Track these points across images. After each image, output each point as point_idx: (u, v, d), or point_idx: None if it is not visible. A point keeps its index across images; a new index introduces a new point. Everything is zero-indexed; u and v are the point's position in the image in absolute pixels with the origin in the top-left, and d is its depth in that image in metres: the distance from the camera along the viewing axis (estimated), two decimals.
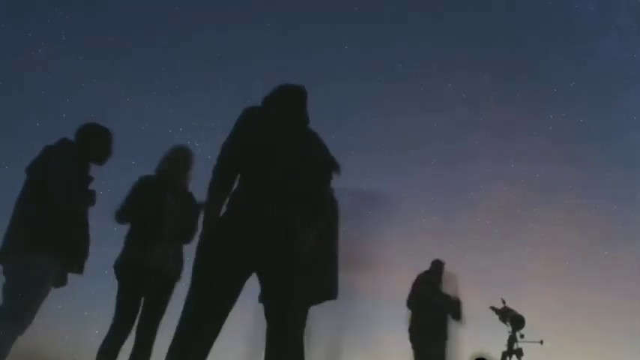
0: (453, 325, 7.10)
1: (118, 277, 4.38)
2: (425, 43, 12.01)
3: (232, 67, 11.68)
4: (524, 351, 5.89)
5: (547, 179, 12.01)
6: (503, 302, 6.11)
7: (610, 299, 11.03)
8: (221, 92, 11.84)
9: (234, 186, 2.94)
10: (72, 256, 3.86)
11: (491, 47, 12.39)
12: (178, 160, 4.81)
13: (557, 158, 12.17)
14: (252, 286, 2.94)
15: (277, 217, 2.81)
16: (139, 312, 4.36)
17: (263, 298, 2.93)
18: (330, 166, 3.18)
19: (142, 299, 4.40)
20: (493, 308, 6.16)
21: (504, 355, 5.92)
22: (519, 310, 6.07)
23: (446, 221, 12.00)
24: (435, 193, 12.36)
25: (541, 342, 5.98)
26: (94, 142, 4.38)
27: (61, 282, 3.88)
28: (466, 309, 7.11)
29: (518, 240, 11.76)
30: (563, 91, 12.15)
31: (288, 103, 3.17)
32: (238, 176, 2.94)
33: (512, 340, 5.91)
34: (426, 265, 7.30)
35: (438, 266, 7.31)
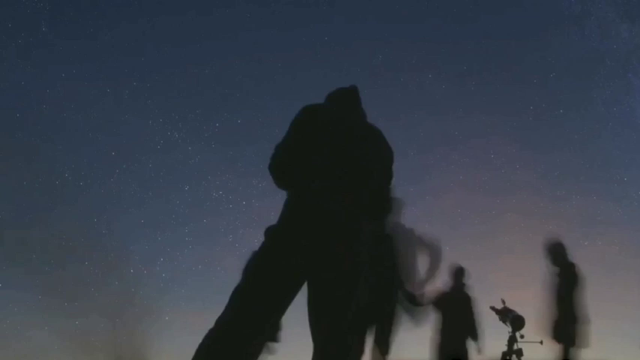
0: None
1: None
2: (405, 34, 11.90)
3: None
4: (524, 351, 5.99)
5: (527, 170, 12.14)
6: (503, 302, 6.11)
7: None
8: (200, 82, 11.56)
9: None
10: None
11: (470, 38, 12.35)
12: None
13: (537, 149, 12.29)
14: None
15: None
16: None
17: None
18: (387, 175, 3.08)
19: None
20: (493, 308, 6.17)
21: (504, 354, 5.95)
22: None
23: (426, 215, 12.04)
24: (413, 186, 12.34)
25: (541, 342, 6.02)
26: None
27: None
28: None
29: (497, 233, 11.86)
30: (544, 81, 12.24)
31: (344, 100, 3.11)
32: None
33: (512, 340, 5.94)
34: None
35: None
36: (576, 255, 11.28)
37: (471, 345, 6.53)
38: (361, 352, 4.73)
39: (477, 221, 11.90)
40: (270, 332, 4.34)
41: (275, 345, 4.76)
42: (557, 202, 11.71)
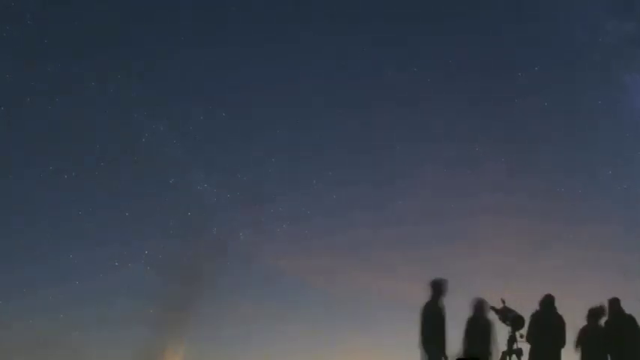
0: None
1: None
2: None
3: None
4: (524, 351, 6.02)
5: (511, 164, 12.17)
6: (503, 302, 6.10)
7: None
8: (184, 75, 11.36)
9: None
10: None
11: (453, 31, 12.27)
12: None
13: (521, 143, 12.31)
14: None
15: None
16: None
17: None
18: None
19: None
20: (493, 308, 6.15)
21: (504, 354, 5.96)
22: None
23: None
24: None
25: None
26: None
27: None
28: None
29: (481, 229, 11.87)
30: (528, 75, 12.23)
31: None
32: None
33: (512, 340, 5.94)
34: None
35: None
36: (561, 249, 11.51)
37: None
38: None
39: (461, 216, 11.89)
40: None
41: None
42: (541, 196, 11.78)
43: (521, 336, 5.94)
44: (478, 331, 6.23)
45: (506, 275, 10.56)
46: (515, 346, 5.93)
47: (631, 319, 5.99)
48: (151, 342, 10.24)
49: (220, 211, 11.69)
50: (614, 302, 6.08)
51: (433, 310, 6.03)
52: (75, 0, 10.24)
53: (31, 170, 10.58)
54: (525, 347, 5.98)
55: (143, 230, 11.39)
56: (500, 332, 6.12)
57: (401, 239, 11.57)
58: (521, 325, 5.97)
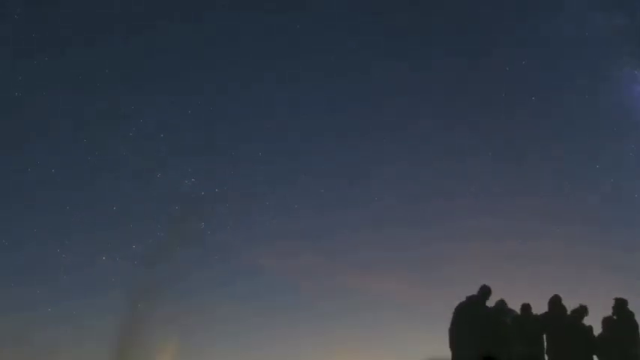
0: None
1: None
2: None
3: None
4: None
5: (497, 159, 12.31)
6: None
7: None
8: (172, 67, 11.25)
9: None
10: None
11: (443, 27, 12.31)
12: None
13: (509, 138, 12.45)
14: None
15: None
16: None
17: None
18: None
19: None
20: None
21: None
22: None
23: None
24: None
25: None
26: None
27: None
28: None
29: (466, 223, 12.00)
30: (516, 69, 12.33)
31: None
32: None
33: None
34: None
35: None
36: (550, 244, 11.67)
37: None
38: None
39: (452, 215, 11.99)
40: None
41: None
42: (529, 190, 11.94)
43: None
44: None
45: (504, 276, 10.70)
46: None
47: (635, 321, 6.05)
48: (139, 338, 10.21)
49: (207, 205, 11.65)
50: (621, 302, 6.12)
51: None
52: None
53: (19, 165, 10.55)
54: None
55: (131, 224, 11.34)
56: None
57: (388, 238, 11.66)
58: None
